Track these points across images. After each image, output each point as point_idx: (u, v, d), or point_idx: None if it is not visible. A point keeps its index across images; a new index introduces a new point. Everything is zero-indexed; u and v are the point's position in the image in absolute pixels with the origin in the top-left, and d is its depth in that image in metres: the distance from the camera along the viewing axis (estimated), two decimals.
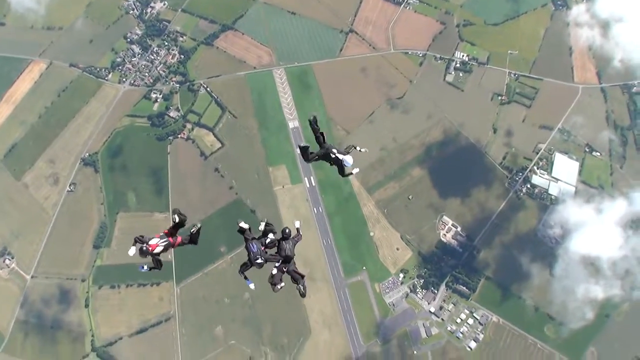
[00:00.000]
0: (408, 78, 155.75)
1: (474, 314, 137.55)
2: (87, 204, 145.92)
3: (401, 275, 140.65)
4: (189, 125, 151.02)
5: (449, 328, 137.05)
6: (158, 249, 25.66)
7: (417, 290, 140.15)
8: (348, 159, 28.12)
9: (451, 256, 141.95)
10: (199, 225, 27.56)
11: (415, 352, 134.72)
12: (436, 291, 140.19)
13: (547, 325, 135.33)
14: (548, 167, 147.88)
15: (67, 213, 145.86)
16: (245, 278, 27.69)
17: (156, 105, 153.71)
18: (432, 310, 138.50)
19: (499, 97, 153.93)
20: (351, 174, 29.71)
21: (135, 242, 25.34)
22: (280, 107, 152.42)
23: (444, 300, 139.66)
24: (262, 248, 26.80)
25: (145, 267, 26.68)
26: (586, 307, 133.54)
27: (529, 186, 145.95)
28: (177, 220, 26.33)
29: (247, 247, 26.67)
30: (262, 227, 27.78)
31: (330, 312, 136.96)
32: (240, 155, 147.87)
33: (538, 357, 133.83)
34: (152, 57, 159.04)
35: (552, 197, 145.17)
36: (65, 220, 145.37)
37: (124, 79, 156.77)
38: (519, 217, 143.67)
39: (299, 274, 28.25)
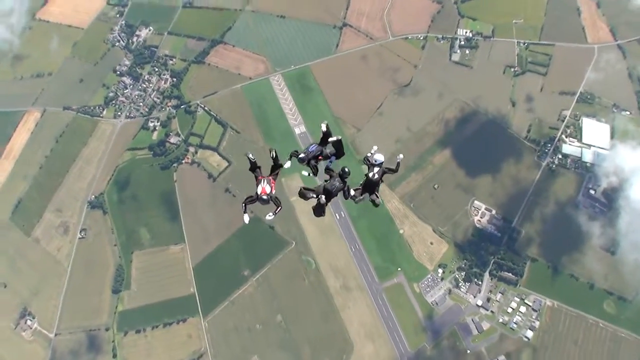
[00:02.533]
0: (412, 63, 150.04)
1: (526, 301, 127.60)
2: (101, 248, 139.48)
3: (440, 270, 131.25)
4: (191, 149, 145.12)
5: (500, 320, 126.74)
6: (268, 189, 27.41)
7: (460, 284, 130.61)
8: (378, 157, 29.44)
9: (490, 242, 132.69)
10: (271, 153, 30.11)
11: (468, 351, 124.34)
12: (480, 282, 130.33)
13: (607, 301, 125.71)
14: (577, 133, 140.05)
15: (81, 261, 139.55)
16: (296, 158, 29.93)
17: (155, 133, 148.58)
18: (480, 303, 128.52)
19: (512, 69, 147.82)
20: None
21: (246, 206, 27.86)
22: (283, 114, 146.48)
23: (491, 291, 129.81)
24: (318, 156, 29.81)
25: (271, 215, 27.92)
26: None
27: (560, 156, 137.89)
28: (252, 161, 29.28)
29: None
30: (324, 127, 29.92)
31: (371, 322, 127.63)
32: (249, 171, 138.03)
33: (602, 337, 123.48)
34: (144, 86, 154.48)
35: (587, 164, 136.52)
36: (81, 269, 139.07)
37: (119, 113, 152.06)
38: (556, 190, 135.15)
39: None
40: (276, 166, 29.12)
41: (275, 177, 28.62)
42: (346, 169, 28.45)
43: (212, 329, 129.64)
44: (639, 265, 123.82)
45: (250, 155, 29.01)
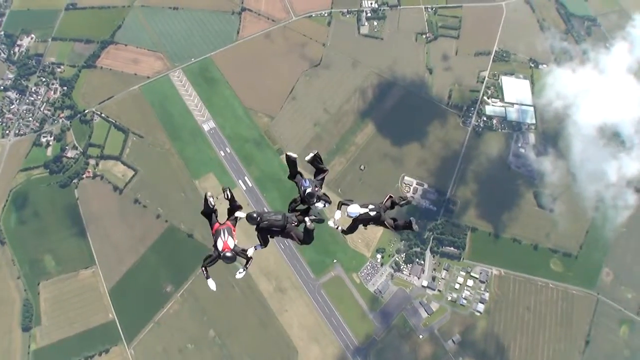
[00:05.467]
0: (320, 42, 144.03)
1: (472, 274, 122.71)
2: (2, 283, 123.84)
3: (378, 256, 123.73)
4: (92, 161, 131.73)
5: (449, 298, 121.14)
6: (231, 243, 21.15)
7: (402, 267, 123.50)
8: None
9: (426, 218, 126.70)
10: (227, 187, 23.23)
11: (421, 336, 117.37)
12: (423, 262, 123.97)
13: (552, 260, 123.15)
14: (498, 93, 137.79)
15: None
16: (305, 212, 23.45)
17: (49, 149, 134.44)
18: (425, 284, 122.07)
19: (424, 36, 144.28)
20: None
21: (206, 269, 21.75)
22: (188, 111, 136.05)
23: (435, 269, 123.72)
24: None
25: (241, 271, 22.42)
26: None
27: (485, 118, 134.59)
28: (210, 205, 22.11)
29: (297, 183, 23.53)
30: (309, 157, 23.93)
31: (313, 322, 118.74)
32: (159, 178, 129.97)
33: (554, 298, 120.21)
34: (32, 99, 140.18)
35: (513, 123, 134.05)
36: None
37: (7, 132, 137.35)
38: (486, 154, 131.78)
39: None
40: (234, 209, 22.54)
41: (234, 223, 22.38)
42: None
43: (139, 356, 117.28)
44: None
45: (211, 199, 22.12)
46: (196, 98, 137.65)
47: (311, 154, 23.44)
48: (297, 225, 22.25)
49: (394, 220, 23.32)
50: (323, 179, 24.02)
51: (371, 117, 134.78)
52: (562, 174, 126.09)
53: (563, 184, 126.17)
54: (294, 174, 23.59)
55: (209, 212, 22.17)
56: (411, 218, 23.15)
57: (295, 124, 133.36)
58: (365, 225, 23.51)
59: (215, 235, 21.51)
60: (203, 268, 21.61)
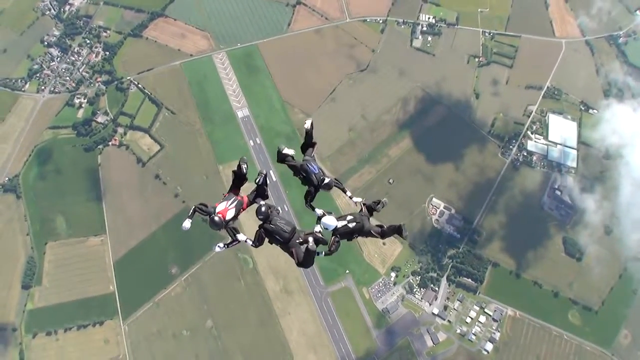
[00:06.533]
0: (370, 47, 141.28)
1: (486, 310, 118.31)
2: (11, 238, 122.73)
3: (393, 274, 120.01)
4: (120, 130, 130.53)
5: (458, 330, 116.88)
6: (230, 214, 20.86)
7: (414, 289, 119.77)
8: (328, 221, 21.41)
9: (448, 244, 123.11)
10: (264, 172, 22.25)
11: None
12: (437, 288, 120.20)
13: (571, 312, 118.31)
14: (543, 130, 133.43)
15: None
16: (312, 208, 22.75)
17: (81, 111, 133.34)
18: (436, 311, 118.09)
19: (476, 59, 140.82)
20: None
21: (195, 211, 20.84)
22: (225, 95, 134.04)
23: (448, 298, 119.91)
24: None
25: (221, 245, 21.85)
26: None
27: (525, 153, 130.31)
28: (244, 170, 21.93)
29: (303, 170, 22.33)
30: (308, 125, 23.15)
31: (314, 330, 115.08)
32: (183, 157, 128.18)
33: (566, 351, 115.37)
34: (73, 59, 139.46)
35: (553, 163, 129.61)
36: None
37: (43, 87, 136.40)
38: (520, 190, 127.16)
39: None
40: (259, 193, 22.16)
41: (250, 203, 22.14)
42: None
43: (132, 334, 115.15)
44: None
45: (244, 166, 21.85)
46: (235, 83, 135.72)
47: (309, 122, 22.76)
48: (302, 244, 20.51)
49: (381, 227, 22.34)
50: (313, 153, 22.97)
51: (409, 131, 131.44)
52: (602, 217, 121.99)
53: (601, 227, 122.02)
54: (283, 159, 22.61)
55: (238, 176, 21.80)
56: (402, 223, 22.11)
57: (330, 126, 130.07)
58: (349, 239, 22.36)
59: (226, 198, 21.17)
60: (193, 209, 20.66)
